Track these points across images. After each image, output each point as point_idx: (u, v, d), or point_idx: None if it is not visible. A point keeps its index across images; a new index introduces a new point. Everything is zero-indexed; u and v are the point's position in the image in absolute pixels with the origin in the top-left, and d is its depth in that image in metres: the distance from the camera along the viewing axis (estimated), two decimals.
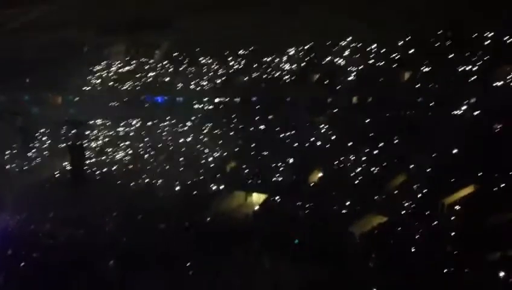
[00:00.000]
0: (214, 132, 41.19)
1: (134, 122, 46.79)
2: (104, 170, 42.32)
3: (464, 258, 22.89)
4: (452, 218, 25.88)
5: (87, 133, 44.92)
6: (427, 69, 32.93)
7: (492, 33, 30.64)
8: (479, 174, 27.20)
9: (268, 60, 40.50)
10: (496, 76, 29.89)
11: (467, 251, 22.95)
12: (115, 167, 42.32)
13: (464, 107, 30.69)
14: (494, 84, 29.63)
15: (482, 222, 24.24)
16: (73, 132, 39.09)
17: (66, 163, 40.62)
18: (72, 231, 33.38)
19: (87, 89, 50.24)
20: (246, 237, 28.59)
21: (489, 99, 29.78)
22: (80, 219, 34.92)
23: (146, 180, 38.98)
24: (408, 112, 32.85)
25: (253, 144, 37.94)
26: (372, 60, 35.32)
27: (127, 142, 45.14)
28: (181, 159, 39.97)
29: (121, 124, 47.24)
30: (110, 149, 45.05)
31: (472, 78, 30.50)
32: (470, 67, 30.80)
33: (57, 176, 43.15)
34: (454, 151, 29.59)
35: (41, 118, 48.79)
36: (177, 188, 36.79)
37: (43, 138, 48.71)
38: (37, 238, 32.02)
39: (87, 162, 41.41)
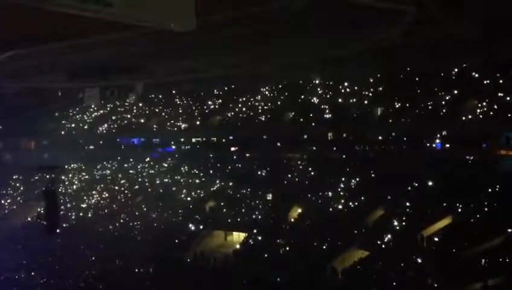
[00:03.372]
0: (192, 172, 41.08)
1: (110, 164, 46.33)
2: (81, 214, 41.59)
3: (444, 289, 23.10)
4: (432, 249, 26.17)
5: (62, 177, 44.21)
6: (398, 105, 33.79)
7: (457, 69, 31.87)
8: (456, 206, 27.74)
9: (243, 99, 41.00)
10: (464, 109, 30.89)
11: (447, 282, 23.17)
12: (91, 211, 41.64)
13: (436, 141, 31.49)
14: (464, 118, 30.54)
15: (461, 252, 24.58)
16: (47, 176, 38.41)
17: (41, 209, 39.73)
18: (47, 278, 32.52)
19: (62, 133, 49.82)
20: (227, 276, 28.33)
21: (460, 132, 30.72)
22: (56, 265, 34.11)
23: (123, 223, 38.39)
24: (382, 147, 33.45)
25: (232, 183, 37.94)
26: (345, 98, 36.13)
27: (103, 185, 44.57)
28: (159, 200, 39.60)
29: (97, 167, 46.73)
30: (86, 193, 44.36)
31: (442, 112, 31.41)
32: (440, 101, 31.75)
33: (31, 222, 42.24)
34: (430, 183, 30.19)
35: (14, 164, 47.97)
36: (156, 229, 36.31)
37: (17, 184, 47.77)
38: (11, 287, 31.08)
39: (63, 207, 40.59)
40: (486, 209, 26.83)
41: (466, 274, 23.13)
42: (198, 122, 42.39)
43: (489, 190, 27.84)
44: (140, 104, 46.81)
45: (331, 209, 31.98)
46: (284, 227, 32.24)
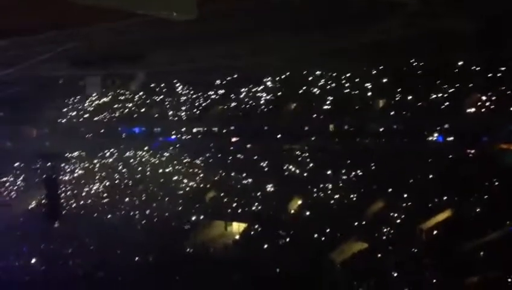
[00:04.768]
0: (192, 162, 41.10)
1: (110, 153, 46.34)
2: (81, 202, 41.69)
3: (443, 282, 23.19)
4: (431, 243, 26.24)
5: (62, 165, 44.23)
6: (399, 98, 33.68)
7: (461, 62, 31.73)
8: (455, 199, 27.76)
9: (245, 89, 40.88)
10: (466, 103, 30.81)
11: (446, 275, 23.26)
12: (91, 200, 41.72)
13: (437, 134, 31.49)
14: (466, 111, 30.48)
15: (460, 246, 24.64)
16: (48, 165, 38.47)
17: (42, 197, 39.86)
18: (48, 266, 32.69)
19: (62, 121, 49.78)
20: (227, 266, 28.45)
21: (462, 125, 30.70)
22: (56, 253, 34.26)
23: (124, 212, 38.49)
24: (384, 139, 33.43)
25: (232, 173, 37.97)
26: (347, 89, 36.02)
27: (104, 174, 44.62)
28: (159, 189, 39.65)
29: (98, 156, 46.73)
30: (87, 181, 44.42)
31: (444, 105, 31.33)
32: (442, 94, 31.66)
33: (32, 210, 42.35)
34: (430, 176, 30.18)
35: (15, 151, 48.02)
36: (156, 219, 36.42)
37: (17, 172, 47.84)
38: (11, 275, 31.23)
39: (63, 195, 40.69)
40: (486, 202, 26.83)
41: (465, 267, 23.22)
42: (199, 112, 42.34)
43: (490, 184, 27.82)
44: (141, 93, 46.68)
45: (331, 201, 32.02)
46: (283, 218, 32.32)
